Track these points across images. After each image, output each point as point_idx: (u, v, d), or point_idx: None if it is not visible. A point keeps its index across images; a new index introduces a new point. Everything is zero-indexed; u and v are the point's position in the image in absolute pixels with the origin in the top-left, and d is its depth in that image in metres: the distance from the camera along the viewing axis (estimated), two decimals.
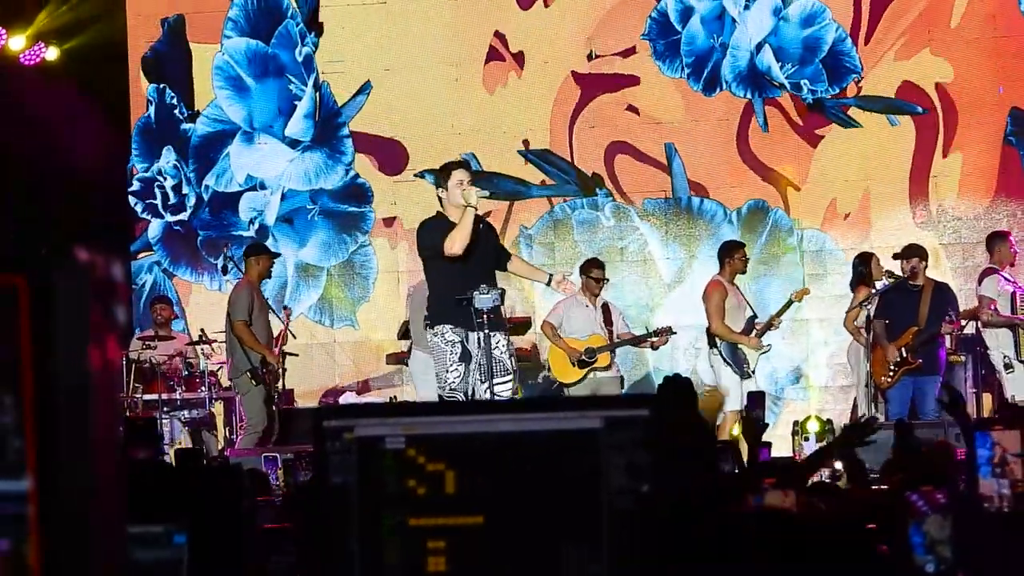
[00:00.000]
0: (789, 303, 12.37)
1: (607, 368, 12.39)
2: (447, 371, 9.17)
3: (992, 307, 12.03)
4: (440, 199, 9.39)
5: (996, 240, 12.37)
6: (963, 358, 12.39)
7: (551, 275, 9.73)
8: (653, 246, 14.03)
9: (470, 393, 9.20)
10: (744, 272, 12.47)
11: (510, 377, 9.39)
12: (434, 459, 2.75)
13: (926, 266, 12.00)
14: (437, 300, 9.27)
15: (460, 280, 9.09)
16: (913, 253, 11.96)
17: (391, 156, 14.40)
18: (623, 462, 2.61)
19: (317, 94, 14.41)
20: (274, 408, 12.14)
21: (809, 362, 13.72)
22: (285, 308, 13.03)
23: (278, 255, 12.94)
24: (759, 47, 13.91)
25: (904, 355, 11.75)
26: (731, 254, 12.36)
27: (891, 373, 11.78)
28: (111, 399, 1.94)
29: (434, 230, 9.27)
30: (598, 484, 2.65)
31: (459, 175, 9.31)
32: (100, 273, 1.88)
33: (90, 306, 1.88)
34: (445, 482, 2.74)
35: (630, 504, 2.60)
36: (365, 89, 14.41)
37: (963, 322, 12.13)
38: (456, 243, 9.03)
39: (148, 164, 14.60)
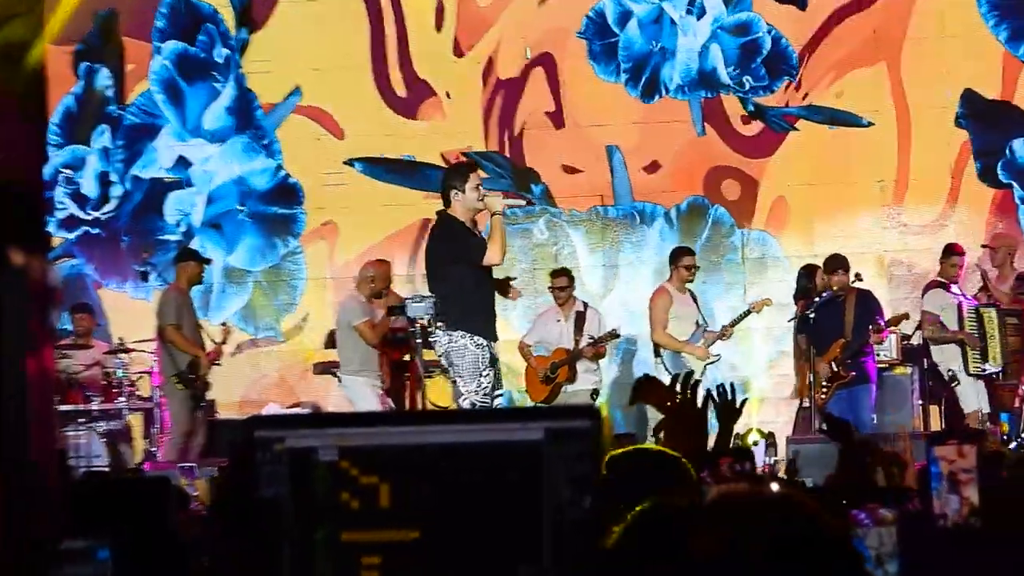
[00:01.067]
0: (748, 312, 12.04)
1: (571, 381, 12.04)
2: (481, 375, 9.08)
3: (933, 321, 11.96)
4: (449, 200, 9.25)
5: (946, 253, 12.21)
6: (909, 370, 12.22)
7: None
8: (581, 254, 13.85)
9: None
10: (692, 280, 12.13)
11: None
12: (368, 472, 2.70)
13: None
14: (456, 305, 9.10)
15: (474, 285, 9.11)
16: (839, 264, 11.76)
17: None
18: (565, 474, 2.57)
19: (235, 86, 14.25)
20: (201, 416, 11.96)
21: (751, 373, 13.43)
22: (223, 325, 12.91)
23: (209, 261, 12.70)
24: (704, 49, 13.76)
25: (835, 369, 11.58)
26: (677, 261, 12.10)
27: (824, 389, 11.58)
28: (49, 408, 1.88)
29: (453, 236, 9.19)
30: (540, 497, 2.61)
31: (475, 179, 9.28)
32: (37, 277, 1.82)
33: (28, 312, 1.82)
34: (379, 495, 2.68)
35: (573, 517, 2.56)
36: (296, 92, 14.25)
37: (891, 329, 11.94)
38: (496, 254, 9.16)
39: (67, 151, 14.28)
